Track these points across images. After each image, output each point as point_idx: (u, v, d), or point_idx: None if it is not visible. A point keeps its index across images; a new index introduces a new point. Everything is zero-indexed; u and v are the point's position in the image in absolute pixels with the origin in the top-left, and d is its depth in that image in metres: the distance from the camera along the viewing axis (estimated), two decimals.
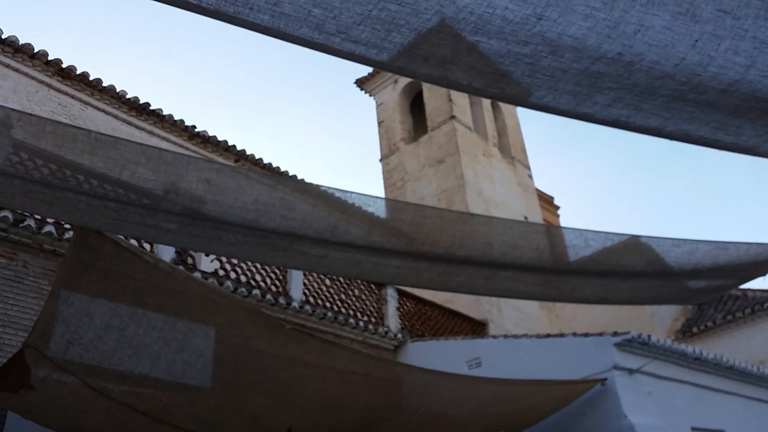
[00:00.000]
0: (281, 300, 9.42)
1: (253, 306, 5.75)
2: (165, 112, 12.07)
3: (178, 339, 5.07)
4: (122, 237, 4.87)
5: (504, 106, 20.09)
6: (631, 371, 8.90)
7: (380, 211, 4.64)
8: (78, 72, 10.86)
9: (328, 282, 10.82)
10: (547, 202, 23.37)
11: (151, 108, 11.94)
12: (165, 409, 5.22)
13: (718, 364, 10.29)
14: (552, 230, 5.52)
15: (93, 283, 4.77)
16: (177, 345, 5.09)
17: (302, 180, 4.20)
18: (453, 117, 17.67)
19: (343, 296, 11.02)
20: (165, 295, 5.02)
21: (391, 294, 12.04)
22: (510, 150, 19.73)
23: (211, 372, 5.33)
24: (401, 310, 12.22)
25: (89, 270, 4.70)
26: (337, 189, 4.28)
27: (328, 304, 10.53)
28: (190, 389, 5.41)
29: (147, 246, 8.14)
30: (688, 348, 9.91)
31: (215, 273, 8.88)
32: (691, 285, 6.19)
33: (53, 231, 7.41)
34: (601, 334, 9.17)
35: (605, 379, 8.72)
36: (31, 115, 3.49)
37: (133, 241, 5.11)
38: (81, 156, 3.61)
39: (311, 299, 10.23)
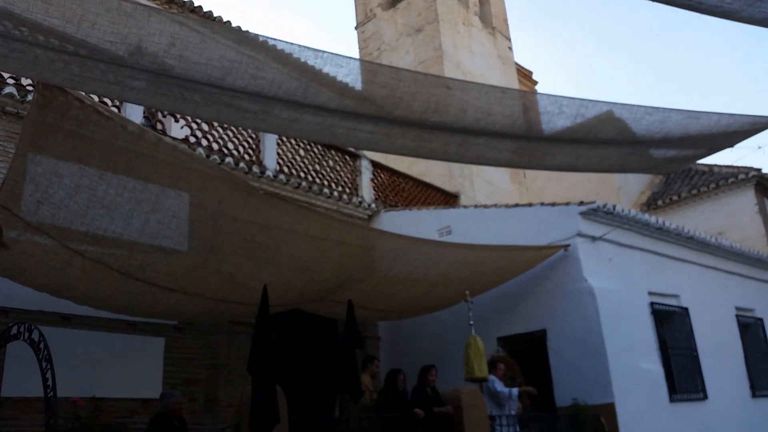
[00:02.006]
0: (255, 168, 9.38)
1: (226, 171, 5.72)
2: None
3: (150, 200, 5.08)
4: (87, 95, 4.71)
5: None
6: (594, 238, 9.27)
7: (354, 72, 4.51)
8: None
9: (302, 152, 10.77)
10: (525, 76, 23.01)
11: None
12: (141, 267, 5.34)
13: (679, 234, 10.74)
14: (527, 96, 5.49)
15: (59, 145, 4.67)
16: (150, 205, 5.11)
17: (271, 39, 4.01)
18: None
19: (317, 166, 11.01)
20: (135, 159, 4.95)
21: (365, 165, 12.07)
22: (491, 20, 19.06)
23: (186, 233, 5.41)
24: (375, 181, 12.32)
25: (55, 131, 4.58)
26: (309, 48, 4.13)
27: (302, 174, 10.54)
28: (166, 250, 5.50)
29: (115, 110, 7.91)
30: (651, 218, 10.28)
31: (186, 140, 8.74)
32: (660, 154, 6.29)
33: (15, 93, 7.14)
34: (567, 204, 9.43)
35: (568, 246, 9.08)
36: None
37: (103, 108, 4.94)
38: (35, 3, 3.39)
39: (285, 169, 10.22)
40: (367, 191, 11.81)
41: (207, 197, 5.42)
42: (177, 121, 8.87)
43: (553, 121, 5.38)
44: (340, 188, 11.25)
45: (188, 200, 5.37)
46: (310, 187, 10.34)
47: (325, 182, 11.01)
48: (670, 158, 6.37)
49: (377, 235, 7.43)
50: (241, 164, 9.19)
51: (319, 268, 6.71)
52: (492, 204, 11.69)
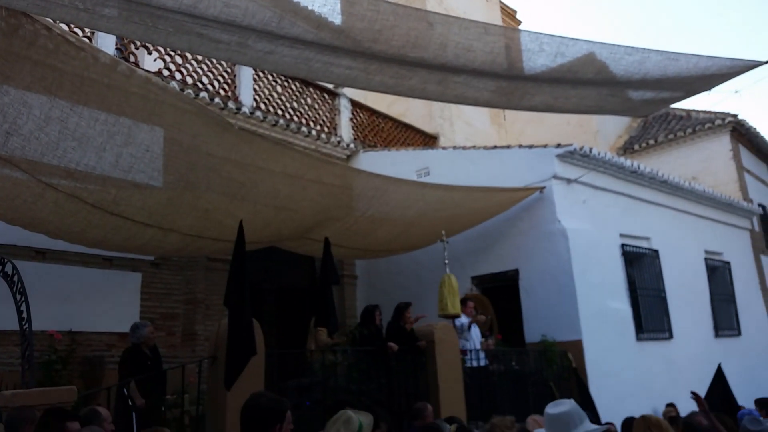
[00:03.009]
0: (230, 104, 9.21)
1: (200, 105, 5.61)
2: None
3: (123, 133, 4.99)
4: (56, 23, 4.53)
5: None
6: (569, 181, 9.37)
7: (331, 2, 4.39)
8: None
9: (279, 88, 10.56)
10: (509, 15, 22.59)
11: None
12: (115, 202, 5.29)
13: (653, 178, 10.89)
14: (508, 33, 5.40)
15: (27, 75, 4.51)
16: (122, 139, 5.02)
17: None
18: None
19: (295, 104, 10.83)
20: (107, 91, 4.82)
21: (344, 104, 11.91)
22: None
23: (160, 167, 5.34)
24: (354, 120, 12.19)
25: (22, 61, 4.41)
26: None
27: (279, 112, 10.36)
28: (140, 185, 5.44)
29: (86, 40, 7.63)
30: (626, 161, 10.39)
31: (159, 73, 8.51)
32: (638, 96, 6.30)
33: None
34: (545, 146, 9.47)
35: (544, 188, 9.17)
36: None
37: (74, 38, 4.76)
38: None
39: (262, 105, 10.04)
40: (345, 131, 11.70)
41: (181, 132, 5.33)
42: (150, 53, 8.61)
43: (533, 60, 5.33)
44: (318, 127, 11.13)
45: (162, 135, 5.28)
46: (287, 125, 10.21)
47: (303, 120, 10.86)
48: (647, 100, 6.39)
49: (355, 175, 7.41)
50: (217, 99, 9.02)
51: (296, 206, 6.70)
52: (471, 146, 11.69)
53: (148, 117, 5.10)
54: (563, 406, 2.88)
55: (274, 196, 6.20)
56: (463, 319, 8.25)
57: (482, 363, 7.90)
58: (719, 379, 6.85)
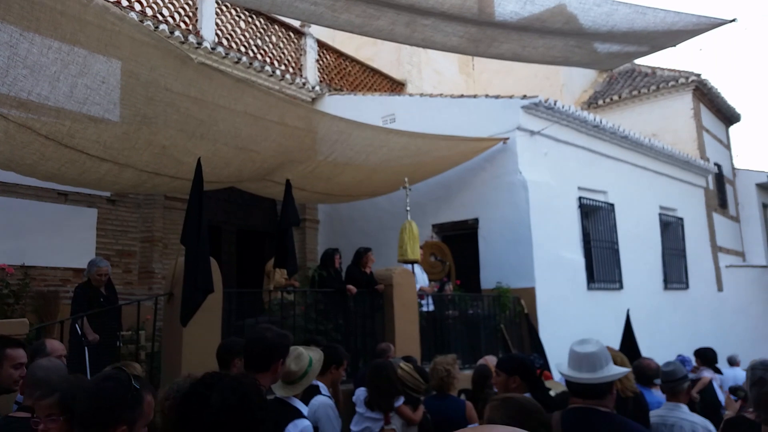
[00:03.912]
0: (191, 38, 8.89)
1: (158, 37, 5.40)
2: None
3: (77, 62, 4.79)
4: None
5: None
6: (532, 133, 9.44)
7: None
8: None
9: (243, 24, 10.22)
10: None
11: None
12: (69, 134, 5.12)
13: (614, 133, 11.05)
14: None
15: None
16: (77, 69, 4.82)
17: None
18: None
19: (259, 41, 10.52)
20: (60, 18, 4.59)
21: (310, 44, 11.62)
22: None
23: (117, 100, 5.17)
24: (321, 62, 11.93)
25: None
26: None
27: (242, 49, 10.06)
28: (95, 119, 5.27)
29: None
30: (589, 115, 10.49)
31: (118, 3, 8.13)
32: (604, 49, 6.32)
33: None
34: (511, 97, 9.48)
35: (507, 139, 9.23)
36: None
37: None
38: None
39: (224, 41, 9.72)
40: (311, 72, 11.47)
41: (139, 64, 5.14)
42: None
43: (503, 5, 5.27)
44: (282, 67, 10.87)
45: (119, 67, 5.09)
46: (250, 64, 9.95)
47: (267, 59, 10.59)
48: (613, 53, 6.42)
49: (319, 117, 7.29)
50: (177, 33, 8.70)
51: (257, 147, 6.59)
52: (438, 93, 11.62)
53: (105, 48, 4.90)
54: (590, 345, 2.77)
55: (235, 136, 6.08)
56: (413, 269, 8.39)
57: (430, 308, 8.03)
58: (628, 326, 7.19)
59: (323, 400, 4.00)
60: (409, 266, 8.03)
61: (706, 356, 7.27)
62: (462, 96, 10.43)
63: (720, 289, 14.66)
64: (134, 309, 5.67)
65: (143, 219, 8.54)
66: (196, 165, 5.08)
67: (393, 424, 3.94)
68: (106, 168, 5.83)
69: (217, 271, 5.21)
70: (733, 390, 6.22)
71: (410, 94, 11.84)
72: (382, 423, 3.95)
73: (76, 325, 5.35)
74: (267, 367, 2.65)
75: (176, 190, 7.32)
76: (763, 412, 2.09)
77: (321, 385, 4.18)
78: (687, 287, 13.12)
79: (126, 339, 6.30)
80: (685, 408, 3.84)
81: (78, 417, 1.84)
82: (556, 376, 6.32)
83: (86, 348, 5.27)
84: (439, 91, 14.29)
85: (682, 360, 6.63)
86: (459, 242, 9.74)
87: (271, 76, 10.37)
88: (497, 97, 9.70)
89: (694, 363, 7.38)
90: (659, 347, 9.16)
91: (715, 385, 6.67)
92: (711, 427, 3.72)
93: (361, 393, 4.15)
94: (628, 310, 7.46)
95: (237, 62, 9.68)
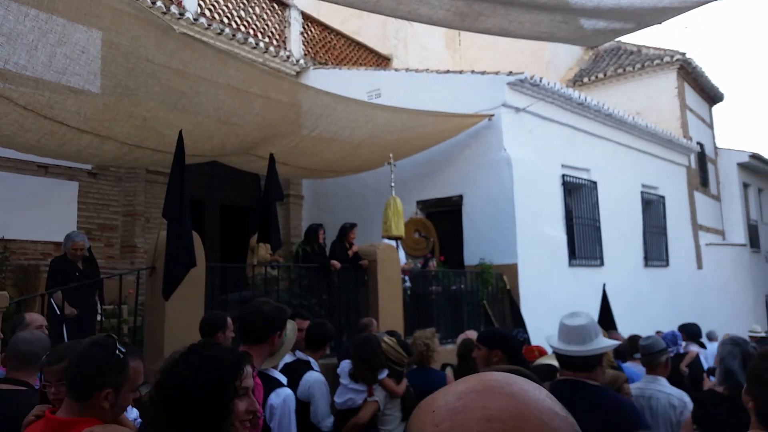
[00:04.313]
0: (173, 9, 8.73)
1: (140, 6, 5.28)
2: None
3: (56, 31, 4.68)
4: None
5: None
6: (517, 110, 9.43)
7: None
8: None
9: None
10: None
11: None
12: (49, 105, 5.03)
13: (599, 111, 11.08)
14: None
15: None
16: (56, 38, 4.72)
17: None
18: None
19: (242, 12, 10.35)
20: None
21: (295, 16, 11.45)
22: None
23: (97, 71, 5.07)
24: (305, 35, 11.78)
25: None
26: None
27: (225, 20, 9.89)
28: (75, 90, 5.18)
29: None
30: (575, 93, 10.50)
31: None
32: (591, 25, 6.30)
33: None
34: (497, 73, 9.44)
35: (492, 115, 9.22)
36: None
37: None
38: None
39: (207, 12, 9.55)
40: (296, 45, 11.33)
41: (119, 35, 5.04)
42: None
43: None
44: (266, 40, 10.72)
45: (99, 36, 4.98)
46: (233, 35, 9.80)
47: (251, 31, 10.43)
48: (599, 30, 6.39)
49: (303, 91, 7.22)
50: (159, 3, 8.53)
51: (240, 120, 6.52)
52: (424, 69, 11.54)
53: (84, 17, 4.79)
54: (580, 319, 2.78)
55: (217, 108, 6.01)
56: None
57: (406, 284, 8.03)
58: (605, 300, 7.33)
59: (317, 376, 4.04)
60: (393, 242, 8.05)
61: (691, 331, 7.42)
62: (448, 71, 10.37)
63: (700, 266, 14.89)
64: (116, 283, 5.63)
65: (125, 193, 8.46)
66: (177, 137, 5.02)
67: (376, 396, 3.98)
68: (86, 140, 5.74)
69: (199, 245, 5.19)
70: (712, 371, 6.34)
71: (396, 69, 11.74)
72: (365, 395, 3.99)
73: (51, 299, 5.31)
74: (264, 339, 2.67)
75: (158, 164, 7.24)
76: (754, 388, 2.13)
77: (312, 360, 4.21)
78: (667, 265, 13.31)
79: (108, 313, 6.27)
80: (663, 381, 3.90)
81: (67, 380, 1.93)
82: (548, 350, 6.41)
83: (64, 322, 5.23)
84: (425, 66, 14.20)
85: (672, 336, 6.75)
86: (443, 219, 9.77)
87: (254, 48, 10.23)
88: (483, 73, 9.67)
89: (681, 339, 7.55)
90: (639, 324, 9.30)
91: (702, 358, 6.82)
92: (687, 399, 3.79)
93: (345, 365, 4.18)
94: (604, 285, 7.56)
95: (219, 34, 9.53)
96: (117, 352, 1.89)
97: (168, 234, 4.78)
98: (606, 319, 6.81)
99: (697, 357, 6.67)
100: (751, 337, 7.84)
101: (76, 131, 5.58)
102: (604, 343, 2.72)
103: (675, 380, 4.59)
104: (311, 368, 4.08)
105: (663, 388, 3.80)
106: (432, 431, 0.57)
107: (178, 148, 4.94)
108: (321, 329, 4.35)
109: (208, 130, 6.23)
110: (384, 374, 4.03)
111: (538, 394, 0.61)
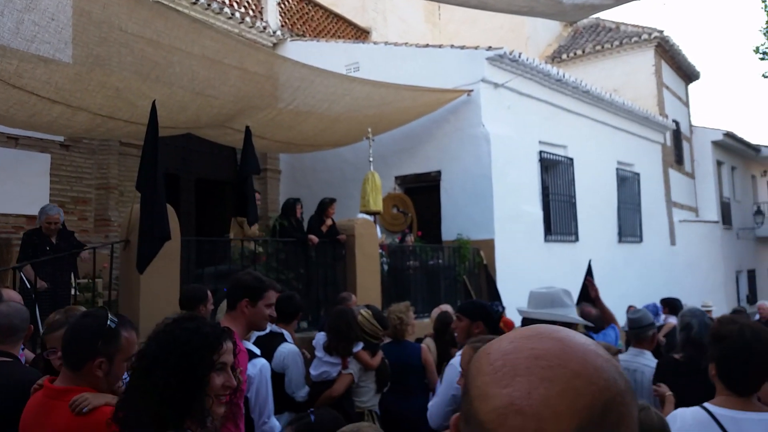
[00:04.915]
0: None
1: None
2: None
3: None
4: None
5: None
6: (496, 85, 9.42)
7: None
8: None
9: None
10: None
11: None
12: (17, 74, 4.90)
13: (577, 88, 11.11)
14: None
15: None
16: (23, 3, 4.58)
17: None
18: None
19: None
20: None
21: None
22: None
23: (68, 39, 4.94)
24: (283, 6, 11.57)
25: None
26: None
27: None
28: (45, 59, 5.04)
29: None
30: (553, 69, 10.50)
31: None
32: (570, 0, 6.28)
33: None
34: (476, 48, 9.40)
35: (471, 91, 9.20)
36: None
37: None
38: None
39: None
40: (272, 16, 11.14)
41: (90, 2, 4.90)
42: None
43: None
44: (242, 10, 10.53)
45: (70, 3, 4.85)
46: (208, 5, 9.59)
47: (227, 0, 10.22)
48: (578, 5, 6.37)
49: (280, 62, 7.11)
50: None
51: (215, 92, 6.42)
52: (403, 42, 11.44)
53: None
54: (549, 288, 2.89)
55: (192, 79, 5.91)
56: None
57: (383, 260, 8.01)
58: (589, 274, 7.47)
59: (291, 347, 4.06)
60: (371, 217, 8.05)
61: (673, 305, 7.76)
62: (427, 45, 10.30)
63: (673, 243, 15.15)
64: (90, 257, 5.56)
65: (98, 165, 8.31)
66: (150, 108, 4.93)
67: (350, 368, 4.01)
68: (58, 110, 5.62)
69: (174, 218, 5.14)
70: None
71: (375, 43, 11.63)
72: (340, 367, 4.02)
73: (21, 274, 5.23)
74: (233, 307, 2.80)
75: (131, 136, 7.12)
76: (713, 347, 2.22)
77: (286, 333, 4.22)
78: (641, 241, 13.51)
79: (82, 287, 6.20)
80: (648, 354, 3.93)
81: (62, 349, 2.02)
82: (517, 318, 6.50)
83: (36, 297, 5.16)
84: (404, 40, 14.07)
85: (654, 308, 6.90)
86: (421, 194, 9.78)
87: (230, 18, 10.04)
88: (462, 47, 9.61)
89: (662, 312, 7.85)
90: (612, 298, 9.40)
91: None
92: None
93: (320, 338, 4.21)
94: (590, 261, 7.66)
95: (194, 3, 9.32)
96: (108, 322, 1.96)
97: (142, 207, 4.72)
98: (587, 295, 6.93)
99: (674, 328, 6.87)
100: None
101: (46, 101, 5.45)
102: (572, 314, 2.78)
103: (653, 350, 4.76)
104: (285, 340, 4.09)
105: (648, 362, 3.83)
106: (487, 370, 0.65)
107: (151, 119, 4.85)
108: (290, 302, 4.36)
109: (182, 102, 6.13)
110: (359, 347, 4.06)
111: (583, 339, 0.68)
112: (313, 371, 4.08)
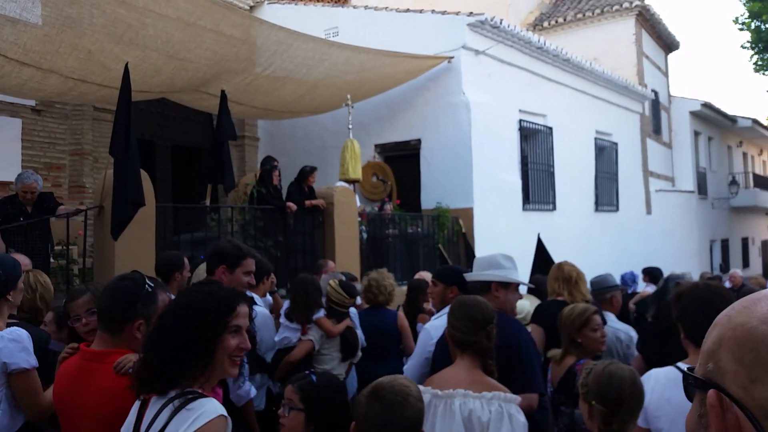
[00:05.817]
0: None
1: None
2: None
3: None
4: None
5: None
6: (477, 52, 9.35)
7: None
8: None
9: None
10: None
11: None
12: None
13: (557, 56, 11.07)
14: None
15: None
16: None
17: None
18: None
19: None
20: None
21: None
22: None
23: None
24: None
25: None
26: None
27: None
28: (12, 19, 4.88)
29: None
30: (534, 36, 10.44)
31: None
32: None
33: None
34: (457, 13, 9.29)
35: (452, 58, 9.12)
36: None
37: None
38: None
39: None
40: None
41: None
42: None
43: None
44: None
45: None
46: None
47: None
48: None
49: (257, 25, 6.95)
50: None
51: (190, 55, 6.28)
52: (384, 7, 11.26)
53: None
54: (487, 255, 3.15)
55: (166, 41, 5.77)
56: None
57: (362, 227, 8.01)
58: (540, 248, 7.62)
59: (261, 310, 4.05)
60: (351, 185, 8.02)
61: (653, 274, 7.91)
62: (408, 10, 10.15)
63: (649, 212, 15.34)
64: (64, 224, 5.47)
65: (72, 131, 8.14)
66: (123, 71, 4.82)
67: (310, 335, 4.02)
68: (28, 73, 5.47)
69: (148, 183, 5.07)
70: None
71: (354, 7, 11.44)
72: (300, 334, 4.04)
73: None
74: (211, 273, 2.89)
75: (105, 100, 6.96)
76: (676, 307, 2.31)
77: (255, 296, 4.21)
78: (617, 209, 13.66)
79: (56, 254, 6.11)
80: (612, 316, 4.09)
81: (100, 313, 2.09)
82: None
83: None
84: (384, 4, 13.85)
85: (632, 275, 7.01)
86: (401, 162, 9.75)
87: None
88: (444, 12, 9.50)
89: (641, 279, 8.01)
90: (589, 266, 9.46)
91: None
92: (633, 333, 4.00)
93: (286, 305, 4.23)
94: (539, 234, 7.78)
95: None
96: (146, 285, 2.06)
97: (115, 172, 4.64)
98: (540, 265, 7.07)
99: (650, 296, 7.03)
100: None
101: (15, 63, 5.30)
102: (512, 275, 3.09)
103: (625, 317, 4.95)
104: (255, 303, 4.08)
105: (610, 323, 3.96)
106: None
107: (124, 83, 4.75)
108: (259, 264, 4.33)
109: (155, 65, 6.00)
110: (320, 314, 4.07)
111: None
112: (276, 338, 4.09)
